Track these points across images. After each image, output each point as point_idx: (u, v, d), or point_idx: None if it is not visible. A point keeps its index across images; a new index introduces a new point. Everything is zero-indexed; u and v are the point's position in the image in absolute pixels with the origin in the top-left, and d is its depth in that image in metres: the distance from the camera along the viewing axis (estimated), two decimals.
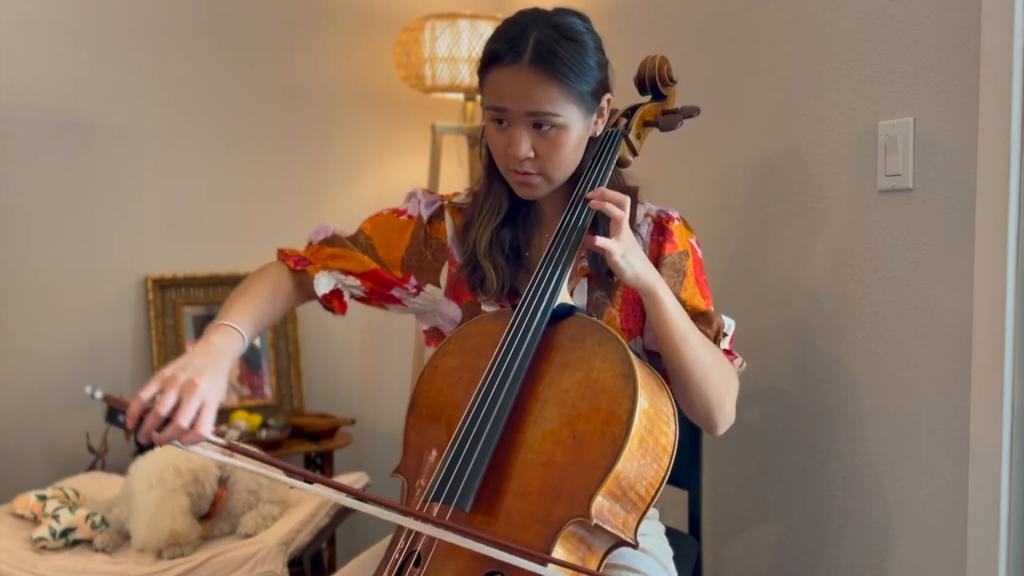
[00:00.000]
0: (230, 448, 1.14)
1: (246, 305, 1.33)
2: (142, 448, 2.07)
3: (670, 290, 1.29)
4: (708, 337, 1.34)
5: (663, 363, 1.32)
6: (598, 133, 1.39)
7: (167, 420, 1.11)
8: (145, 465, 1.91)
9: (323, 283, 1.42)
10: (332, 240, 1.45)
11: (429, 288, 1.45)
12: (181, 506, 1.85)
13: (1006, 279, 1.51)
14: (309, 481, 1.18)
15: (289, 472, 1.16)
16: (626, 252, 1.22)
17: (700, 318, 1.36)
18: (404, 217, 1.47)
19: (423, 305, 1.47)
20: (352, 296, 1.46)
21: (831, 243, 1.80)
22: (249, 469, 1.17)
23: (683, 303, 1.36)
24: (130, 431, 1.11)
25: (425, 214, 1.47)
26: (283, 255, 1.45)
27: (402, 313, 1.51)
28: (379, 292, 1.45)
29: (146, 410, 1.11)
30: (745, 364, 1.42)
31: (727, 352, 1.38)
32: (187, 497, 1.87)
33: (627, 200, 1.24)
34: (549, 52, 1.25)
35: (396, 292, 1.45)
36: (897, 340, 1.69)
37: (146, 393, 1.12)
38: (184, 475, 1.88)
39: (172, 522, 1.83)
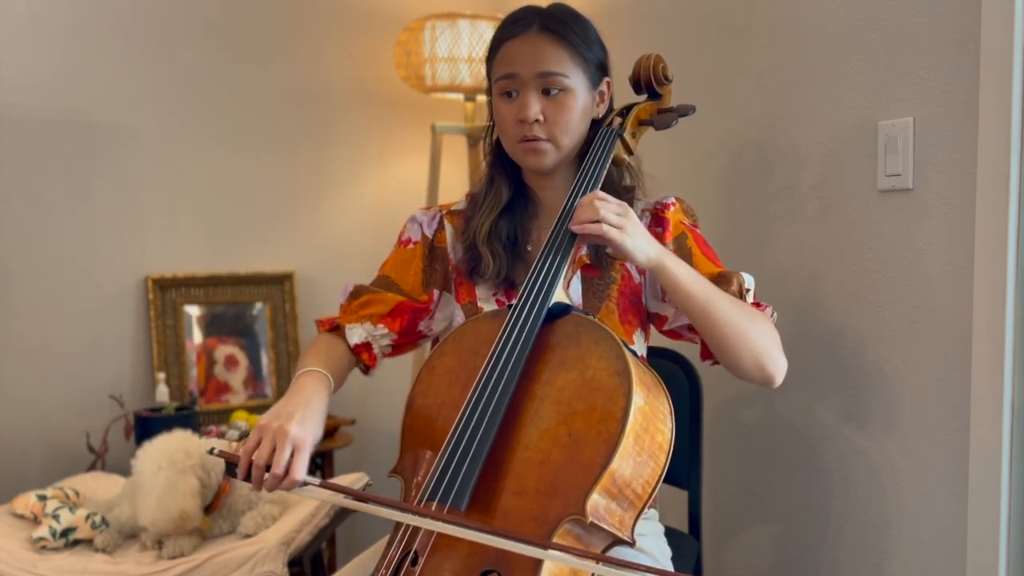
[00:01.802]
0: (327, 487, 1.18)
1: (318, 357, 1.40)
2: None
3: (678, 259, 1.30)
4: (733, 295, 1.36)
5: (700, 335, 1.34)
6: (600, 115, 1.43)
7: (269, 468, 1.18)
8: (154, 449, 1.90)
9: (355, 334, 1.47)
10: (356, 292, 1.51)
11: (445, 296, 1.50)
12: (191, 487, 1.85)
13: (1006, 279, 1.51)
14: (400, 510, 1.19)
15: (383, 506, 1.17)
16: (626, 237, 1.23)
17: (719, 280, 1.37)
18: (412, 245, 1.52)
19: (445, 318, 1.51)
20: (382, 352, 1.50)
21: (831, 243, 1.80)
22: (352, 506, 1.19)
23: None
24: (245, 481, 1.20)
25: (429, 232, 1.51)
26: (319, 324, 1.51)
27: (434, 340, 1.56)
28: (408, 332, 1.50)
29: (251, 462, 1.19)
30: (776, 314, 1.42)
31: (756, 304, 1.39)
32: (196, 479, 1.87)
33: (591, 201, 1.25)
34: (557, 20, 1.36)
35: (422, 325, 1.50)
36: (897, 340, 1.68)
37: (250, 445, 1.20)
38: (194, 457, 1.88)
39: (182, 502, 1.83)
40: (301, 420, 1.22)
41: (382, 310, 1.48)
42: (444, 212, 1.52)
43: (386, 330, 1.48)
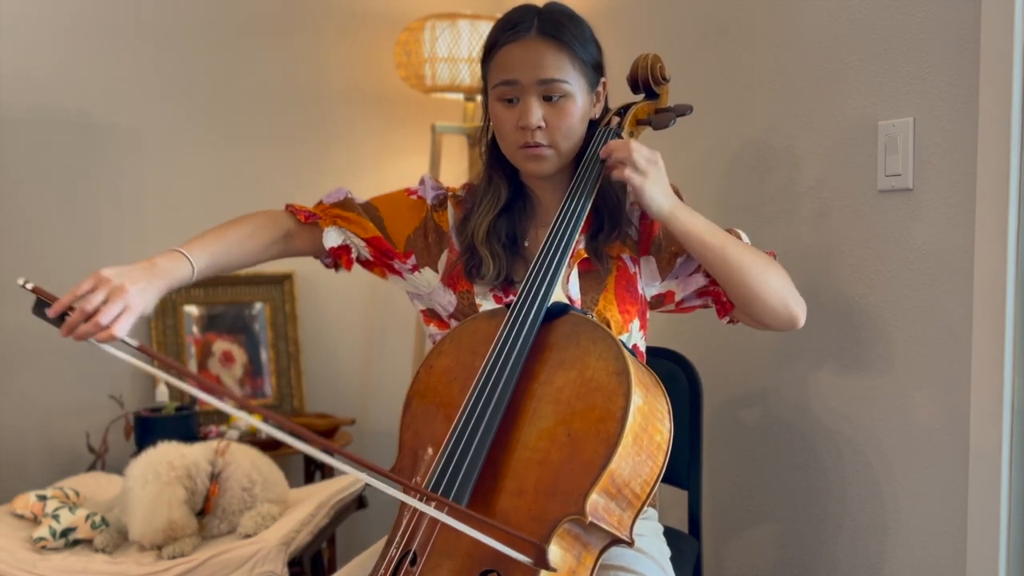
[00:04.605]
0: (142, 351, 1.17)
1: (214, 240, 1.38)
2: (141, 446, 2.07)
3: (692, 211, 1.34)
4: None
5: (722, 285, 1.37)
6: (597, 115, 1.43)
7: (90, 317, 1.15)
8: (140, 463, 1.92)
9: (332, 236, 1.46)
10: (344, 203, 1.48)
11: (427, 271, 1.48)
12: (177, 497, 1.87)
13: (1006, 279, 1.50)
14: (248, 410, 1.22)
15: (207, 390, 1.20)
16: (647, 183, 1.28)
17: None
18: (415, 197, 1.51)
19: (418, 286, 1.50)
20: (358, 259, 1.49)
21: (831, 243, 1.79)
22: (160, 376, 1.20)
23: None
24: (52, 322, 1.16)
25: (430, 199, 1.51)
26: (292, 208, 1.47)
27: (400, 287, 1.53)
28: (381, 261, 1.49)
29: (71, 307, 1.15)
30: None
31: None
32: (183, 489, 1.88)
33: (622, 146, 1.30)
34: (555, 23, 1.35)
35: (396, 264, 1.48)
36: (897, 340, 1.68)
37: (79, 289, 1.16)
38: (178, 468, 1.89)
39: (169, 512, 1.84)
40: (143, 289, 1.20)
41: (359, 232, 1.46)
42: (450, 194, 1.52)
43: (363, 244, 1.47)
